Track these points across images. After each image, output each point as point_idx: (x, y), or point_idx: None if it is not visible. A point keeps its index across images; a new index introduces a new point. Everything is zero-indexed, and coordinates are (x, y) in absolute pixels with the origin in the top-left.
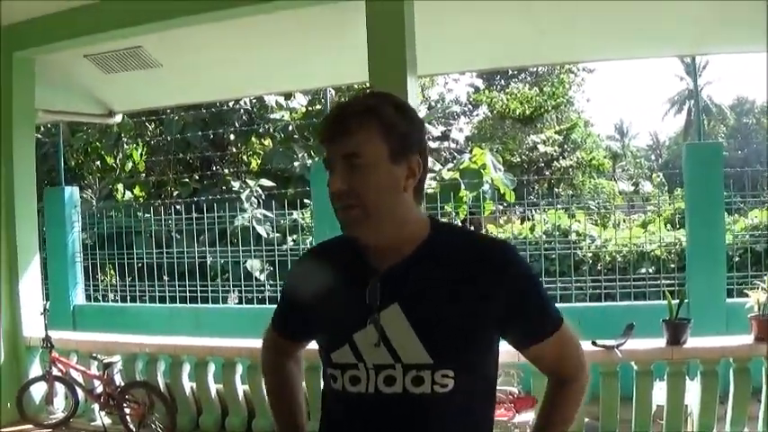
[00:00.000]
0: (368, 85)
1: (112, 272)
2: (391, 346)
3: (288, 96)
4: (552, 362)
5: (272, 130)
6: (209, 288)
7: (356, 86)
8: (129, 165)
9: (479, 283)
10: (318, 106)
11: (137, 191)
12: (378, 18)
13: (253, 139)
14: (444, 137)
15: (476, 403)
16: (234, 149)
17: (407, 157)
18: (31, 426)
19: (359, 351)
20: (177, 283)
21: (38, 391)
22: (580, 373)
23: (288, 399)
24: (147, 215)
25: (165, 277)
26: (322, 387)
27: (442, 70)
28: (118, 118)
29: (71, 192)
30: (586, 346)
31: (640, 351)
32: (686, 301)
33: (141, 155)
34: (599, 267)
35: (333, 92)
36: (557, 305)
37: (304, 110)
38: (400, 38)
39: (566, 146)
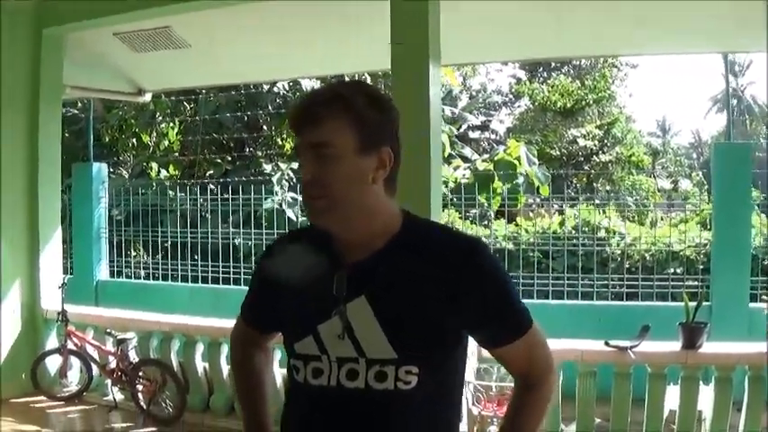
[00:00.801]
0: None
1: (140, 249)
2: (356, 339)
3: (323, 81)
4: (519, 364)
5: None
6: (234, 269)
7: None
8: (164, 143)
9: (448, 280)
10: None
11: (170, 169)
12: (402, 3)
13: (286, 122)
14: (484, 127)
15: (439, 401)
16: (267, 132)
17: (378, 149)
18: (44, 397)
19: (323, 343)
20: (202, 262)
21: (53, 363)
22: (547, 376)
23: (253, 392)
24: (178, 194)
25: (195, 256)
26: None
27: (469, 60)
28: (147, 97)
29: (99, 168)
30: (599, 345)
31: (655, 354)
32: (708, 303)
33: (177, 134)
34: (627, 265)
35: (368, 77)
36: (526, 304)
37: None
38: (423, 24)
39: (606, 140)
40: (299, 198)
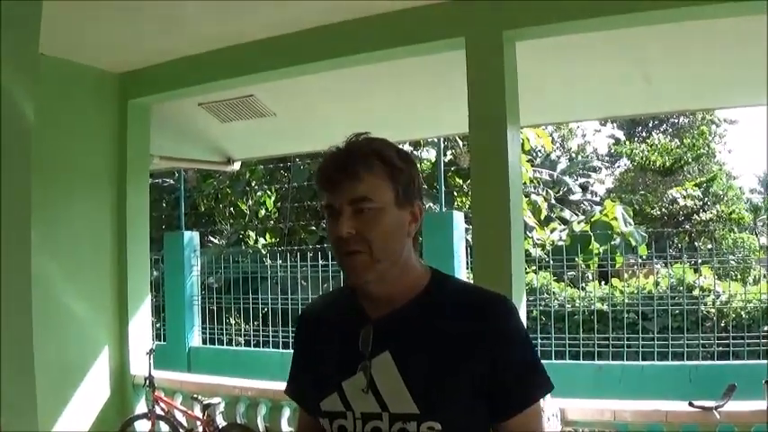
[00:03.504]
0: (468, 134)
1: (239, 316)
2: (379, 394)
3: (417, 146)
4: None
5: None
6: None
7: (459, 137)
8: (262, 211)
9: (470, 338)
10: (449, 156)
11: (267, 237)
12: (476, 65)
13: None
14: (584, 189)
15: None
16: None
17: (411, 202)
18: None
19: (347, 399)
20: None
21: (141, 428)
22: None
23: None
24: (274, 261)
25: (291, 323)
26: None
27: (549, 120)
28: (236, 165)
29: (190, 236)
30: (684, 406)
31: (741, 413)
32: None
33: (274, 202)
34: (722, 324)
35: (460, 141)
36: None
37: (433, 159)
38: (500, 86)
39: (706, 198)
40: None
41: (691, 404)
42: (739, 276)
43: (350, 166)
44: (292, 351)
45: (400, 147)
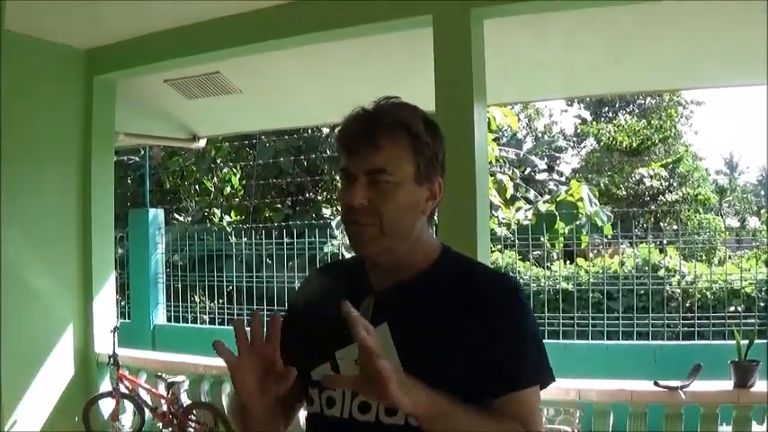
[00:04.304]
0: (435, 112)
1: (203, 294)
2: None
3: None
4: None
5: None
6: None
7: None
8: (227, 189)
9: (471, 315)
10: None
11: (232, 215)
12: (444, 43)
13: None
14: (550, 169)
15: None
16: (327, 176)
17: (431, 179)
18: None
19: (339, 370)
20: (266, 306)
21: (105, 406)
22: None
23: None
24: (239, 239)
25: (255, 301)
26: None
27: (516, 99)
28: (202, 142)
29: (155, 213)
30: (650, 386)
31: (706, 393)
32: (763, 341)
33: (240, 179)
34: (687, 304)
35: None
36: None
37: None
38: (467, 64)
39: (672, 179)
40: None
41: (656, 383)
42: (704, 257)
43: (372, 135)
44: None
45: (432, 118)
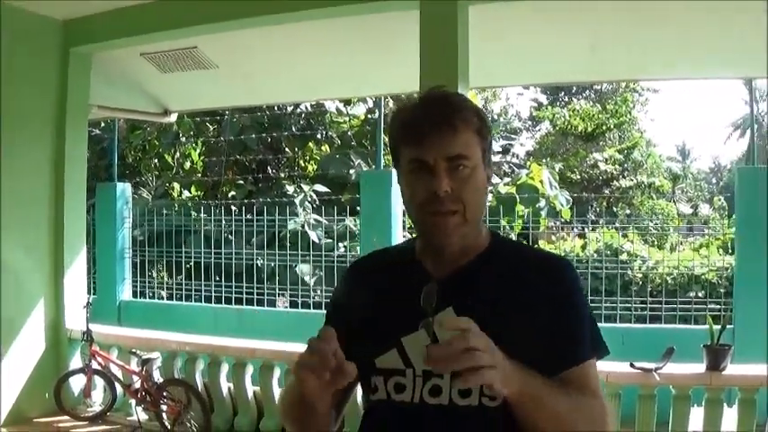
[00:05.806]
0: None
1: (163, 270)
2: None
3: (347, 103)
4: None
5: (329, 135)
6: (257, 291)
7: (405, 96)
8: (188, 164)
9: (533, 297)
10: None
11: (193, 190)
12: (430, 27)
13: (310, 144)
14: (505, 151)
15: None
16: (291, 153)
17: (490, 163)
18: (67, 417)
19: (407, 356)
20: (225, 283)
21: (77, 383)
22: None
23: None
24: (201, 215)
25: (218, 277)
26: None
27: (495, 83)
28: (173, 117)
29: (123, 188)
30: (624, 367)
31: (679, 375)
32: (731, 326)
33: (200, 155)
34: (648, 288)
35: (391, 101)
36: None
37: (363, 117)
38: (453, 48)
39: (626, 165)
40: (323, 220)
41: (632, 365)
42: (656, 243)
43: (450, 120)
44: (329, 304)
45: None
